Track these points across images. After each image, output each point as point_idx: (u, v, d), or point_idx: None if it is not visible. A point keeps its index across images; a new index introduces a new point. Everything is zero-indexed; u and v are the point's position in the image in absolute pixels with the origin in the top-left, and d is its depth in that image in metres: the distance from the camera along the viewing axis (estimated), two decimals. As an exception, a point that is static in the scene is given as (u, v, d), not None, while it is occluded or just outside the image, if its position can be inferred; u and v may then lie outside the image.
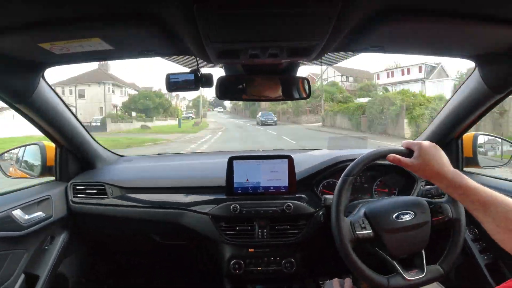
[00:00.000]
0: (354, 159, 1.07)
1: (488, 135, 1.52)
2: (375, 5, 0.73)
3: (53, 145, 1.51)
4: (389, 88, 26.16)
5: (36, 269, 1.32)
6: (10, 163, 1.52)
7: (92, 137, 1.60)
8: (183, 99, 64.49)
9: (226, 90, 1.19)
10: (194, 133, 20.55)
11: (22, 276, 1.26)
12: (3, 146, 2.77)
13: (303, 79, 1.20)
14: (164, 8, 0.72)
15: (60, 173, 1.54)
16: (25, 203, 1.27)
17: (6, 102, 1.15)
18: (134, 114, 29.73)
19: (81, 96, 31.49)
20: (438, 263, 1.00)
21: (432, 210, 1.01)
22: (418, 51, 1.11)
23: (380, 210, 1.04)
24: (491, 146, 1.50)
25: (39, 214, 1.31)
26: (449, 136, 1.45)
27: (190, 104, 64.38)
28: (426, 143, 0.91)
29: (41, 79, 1.18)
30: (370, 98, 20.76)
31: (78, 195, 1.49)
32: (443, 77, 25.82)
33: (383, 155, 0.99)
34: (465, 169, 1.48)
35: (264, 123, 25.14)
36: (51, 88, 1.27)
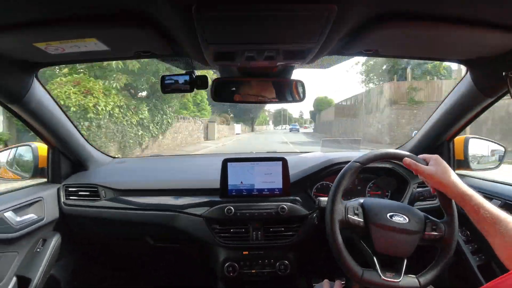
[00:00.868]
0: (348, 162, 1.07)
1: (479, 138, 1.54)
2: (371, 10, 0.74)
3: (45, 146, 1.50)
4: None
5: (28, 272, 1.30)
6: (1, 164, 1.50)
7: (84, 138, 1.59)
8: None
9: (221, 92, 1.19)
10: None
11: (14, 278, 1.24)
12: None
13: (298, 81, 1.21)
14: (161, 9, 0.72)
15: (52, 174, 1.52)
16: (16, 205, 1.25)
17: None
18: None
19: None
20: (417, 275, 0.99)
21: (427, 224, 1.01)
22: (411, 55, 1.13)
23: (377, 206, 1.05)
24: (482, 149, 1.53)
25: (31, 216, 1.30)
26: (441, 139, 1.47)
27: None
28: (439, 157, 0.97)
29: (35, 79, 1.16)
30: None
31: (71, 197, 1.48)
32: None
33: (399, 157, 1.02)
34: (456, 171, 1.50)
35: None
36: (45, 88, 1.26)
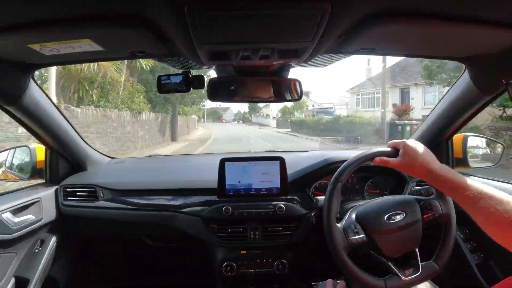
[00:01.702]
0: (345, 160, 1.07)
1: (478, 136, 1.54)
2: (367, 8, 0.73)
3: (43, 147, 1.50)
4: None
5: (27, 273, 1.30)
6: (-1, 166, 1.51)
7: (82, 138, 1.59)
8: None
9: (217, 92, 1.19)
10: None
11: (13, 279, 1.24)
12: None
13: (295, 80, 1.21)
14: (155, 10, 0.72)
15: (50, 175, 1.52)
16: (14, 206, 1.25)
17: None
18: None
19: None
20: (432, 259, 1.01)
21: (422, 208, 1.02)
22: (408, 53, 1.13)
23: (371, 213, 1.04)
24: (481, 147, 1.53)
25: (29, 217, 1.30)
26: (440, 137, 1.46)
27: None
28: (410, 141, 0.91)
29: (31, 80, 1.16)
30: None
31: (69, 198, 1.48)
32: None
33: (369, 158, 0.99)
34: (455, 169, 1.50)
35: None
36: (41, 89, 1.26)
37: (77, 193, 1.48)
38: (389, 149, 0.97)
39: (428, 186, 1.02)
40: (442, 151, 1.47)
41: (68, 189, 1.49)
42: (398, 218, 1.01)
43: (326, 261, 1.30)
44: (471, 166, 1.47)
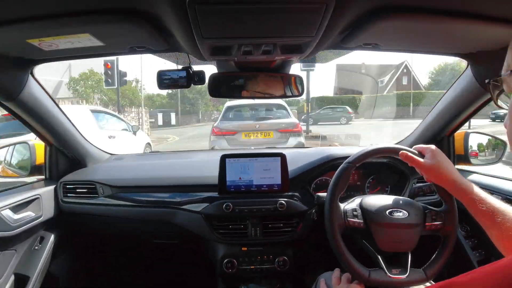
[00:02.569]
0: (347, 157, 1.06)
1: (479, 133, 1.53)
2: (370, 2, 0.72)
3: (42, 143, 1.49)
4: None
5: (26, 270, 1.30)
6: (-1, 162, 1.50)
7: (82, 135, 1.58)
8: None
9: (218, 88, 1.18)
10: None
11: (12, 276, 1.24)
12: None
13: (296, 76, 1.20)
14: (156, 4, 0.71)
15: (49, 172, 1.52)
16: (14, 202, 1.24)
17: None
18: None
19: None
20: (423, 268, 0.99)
21: (427, 215, 1.01)
22: (411, 49, 1.12)
23: (375, 204, 1.04)
24: (482, 144, 1.52)
25: (28, 214, 1.29)
26: (441, 133, 1.46)
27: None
28: (437, 149, 0.94)
29: (30, 76, 1.15)
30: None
31: (68, 195, 1.47)
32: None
33: (394, 151, 1.00)
34: (456, 166, 1.49)
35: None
36: (41, 85, 1.25)
37: (77, 190, 1.47)
38: (413, 150, 0.98)
39: (430, 183, 1.00)
40: (444, 148, 1.46)
41: (67, 186, 1.48)
42: (400, 215, 1.00)
43: (327, 258, 1.29)
44: (473, 163, 1.47)
